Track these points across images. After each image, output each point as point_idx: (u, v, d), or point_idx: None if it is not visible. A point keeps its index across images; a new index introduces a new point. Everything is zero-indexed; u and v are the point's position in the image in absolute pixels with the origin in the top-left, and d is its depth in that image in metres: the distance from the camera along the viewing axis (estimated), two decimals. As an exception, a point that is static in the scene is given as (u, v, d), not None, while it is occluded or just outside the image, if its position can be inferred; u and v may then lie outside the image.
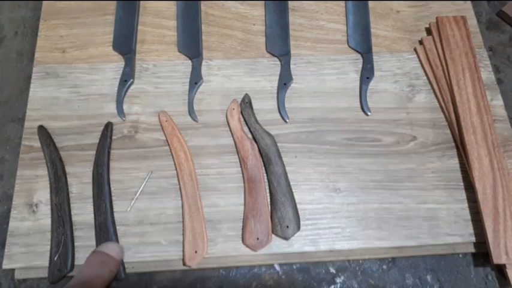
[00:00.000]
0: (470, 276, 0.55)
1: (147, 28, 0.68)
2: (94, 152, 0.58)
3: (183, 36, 0.67)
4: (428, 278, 0.55)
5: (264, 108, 0.62)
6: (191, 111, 0.61)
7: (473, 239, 0.55)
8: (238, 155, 0.59)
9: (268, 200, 0.56)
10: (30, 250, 0.53)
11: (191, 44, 0.66)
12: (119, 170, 0.58)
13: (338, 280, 0.55)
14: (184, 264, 0.52)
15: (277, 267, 0.55)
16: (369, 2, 0.71)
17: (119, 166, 0.58)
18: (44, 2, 0.69)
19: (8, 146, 0.61)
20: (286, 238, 0.54)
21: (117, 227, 0.54)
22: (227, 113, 0.61)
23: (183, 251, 0.53)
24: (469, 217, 0.56)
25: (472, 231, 0.56)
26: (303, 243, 0.54)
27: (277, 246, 0.54)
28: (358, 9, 0.70)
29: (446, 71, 0.64)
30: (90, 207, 0.55)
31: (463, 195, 0.58)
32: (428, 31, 0.69)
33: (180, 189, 0.56)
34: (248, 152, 0.58)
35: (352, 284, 0.55)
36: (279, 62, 0.66)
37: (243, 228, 0.54)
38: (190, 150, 0.59)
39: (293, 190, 0.56)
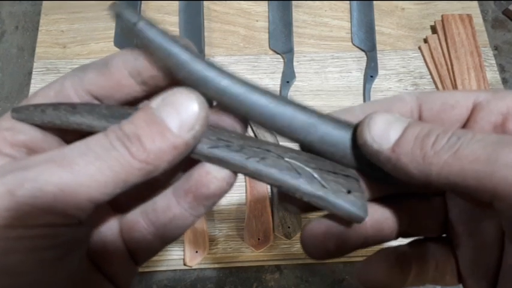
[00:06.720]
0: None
1: (149, 24, 0.67)
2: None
3: (185, 32, 0.66)
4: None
5: (267, 106, 0.62)
6: (193, 109, 0.61)
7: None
8: (240, 153, 0.58)
9: (270, 199, 0.55)
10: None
11: (193, 40, 0.65)
12: (119, 168, 0.57)
13: (340, 281, 0.55)
14: (184, 264, 0.52)
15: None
16: (374, -1, 0.70)
17: (120, 164, 0.57)
18: (44, -4, 0.69)
19: (8, 142, 0.61)
20: (287, 238, 0.54)
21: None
22: (229, 111, 0.61)
23: (184, 250, 0.52)
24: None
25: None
26: (305, 244, 0.54)
27: (278, 246, 0.54)
28: (362, 7, 0.69)
29: (451, 70, 0.63)
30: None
31: (466, 196, 0.57)
32: (434, 29, 0.68)
33: (181, 187, 0.56)
34: (250, 150, 0.58)
35: (354, 285, 0.54)
36: (282, 60, 0.65)
37: (244, 228, 0.54)
38: (192, 148, 0.58)
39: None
